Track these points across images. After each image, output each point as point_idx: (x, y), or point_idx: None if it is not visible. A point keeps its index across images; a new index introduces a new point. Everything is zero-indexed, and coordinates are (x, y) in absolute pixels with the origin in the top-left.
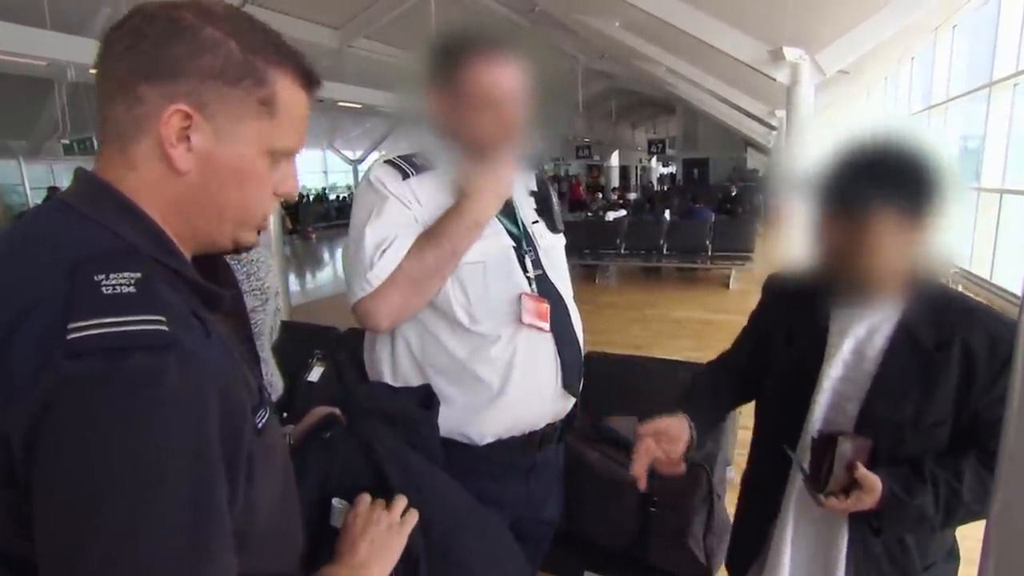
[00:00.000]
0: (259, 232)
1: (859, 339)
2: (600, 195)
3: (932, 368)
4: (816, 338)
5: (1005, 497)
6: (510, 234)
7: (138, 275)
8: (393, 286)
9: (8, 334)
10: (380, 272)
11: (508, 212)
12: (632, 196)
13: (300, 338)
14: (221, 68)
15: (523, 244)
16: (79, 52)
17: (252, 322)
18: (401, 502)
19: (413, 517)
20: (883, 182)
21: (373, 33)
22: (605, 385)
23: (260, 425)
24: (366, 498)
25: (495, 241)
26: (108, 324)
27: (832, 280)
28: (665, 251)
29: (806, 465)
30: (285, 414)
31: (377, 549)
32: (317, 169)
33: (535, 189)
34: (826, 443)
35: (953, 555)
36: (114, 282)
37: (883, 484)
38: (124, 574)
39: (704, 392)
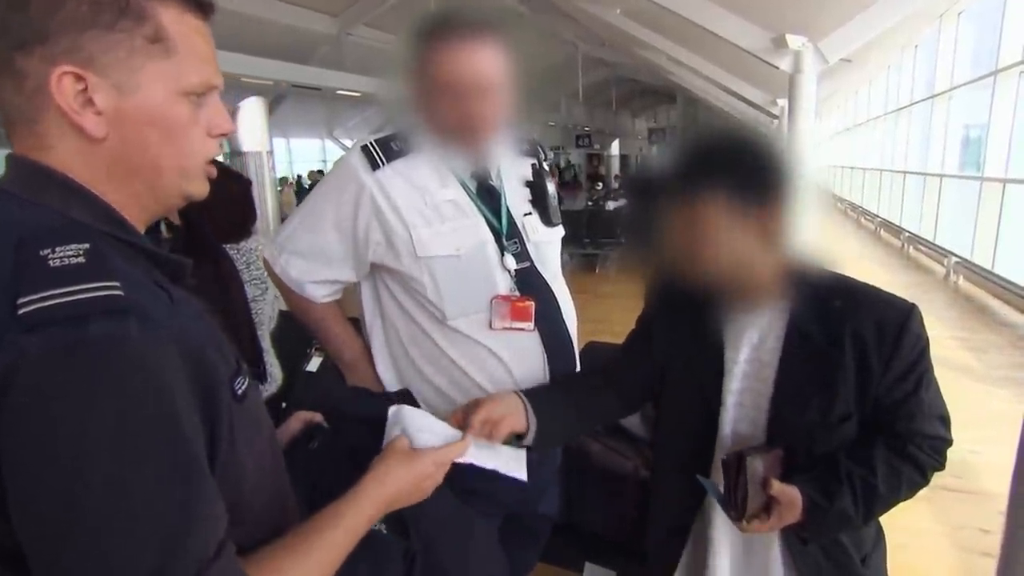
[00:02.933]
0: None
1: (753, 345)
2: (600, 184)
3: (828, 364)
4: (712, 353)
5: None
6: (492, 227)
7: (85, 246)
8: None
9: None
10: (285, 264)
11: (492, 203)
12: None
13: (299, 328)
14: (91, 13)
15: (504, 237)
16: None
17: (253, 311)
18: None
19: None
20: (708, 168)
21: (372, 21)
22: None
23: (240, 392)
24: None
25: (471, 233)
26: (60, 295)
27: (703, 284)
28: (624, 245)
29: (721, 488)
30: (284, 404)
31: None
32: (316, 158)
33: (531, 179)
34: (736, 464)
35: (880, 535)
36: (61, 255)
37: (802, 494)
38: (118, 538)
39: (576, 393)
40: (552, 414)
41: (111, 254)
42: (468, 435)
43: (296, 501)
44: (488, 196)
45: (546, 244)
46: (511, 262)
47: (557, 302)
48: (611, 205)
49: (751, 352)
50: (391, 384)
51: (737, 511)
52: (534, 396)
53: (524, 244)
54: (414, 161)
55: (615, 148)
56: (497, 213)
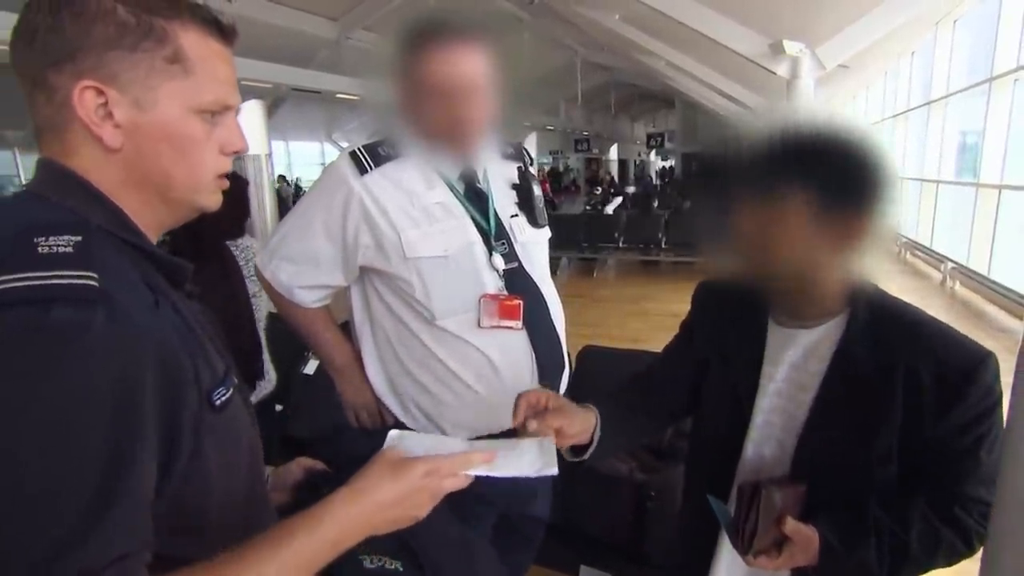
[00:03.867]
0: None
1: (794, 364)
2: (599, 189)
3: (873, 399)
4: (750, 364)
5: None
6: (479, 227)
7: (78, 238)
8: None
9: None
10: (275, 269)
11: (480, 204)
12: (630, 189)
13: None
14: (116, 35)
15: (492, 238)
16: None
17: (253, 307)
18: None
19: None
20: (799, 166)
21: (372, 25)
22: (603, 378)
23: (219, 402)
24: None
25: (459, 234)
26: (35, 278)
27: (760, 285)
28: (663, 245)
29: (733, 515)
30: (279, 407)
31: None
32: (315, 161)
33: (517, 182)
34: (751, 493)
35: None
36: (52, 243)
37: (819, 535)
38: (12, 523)
39: (627, 408)
40: (608, 431)
41: (105, 249)
42: (478, 447)
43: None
44: (476, 198)
45: (533, 245)
46: (499, 262)
47: (545, 302)
48: (610, 208)
49: (790, 371)
50: (380, 387)
51: (744, 545)
52: (602, 412)
53: (512, 245)
54: (402, 165)
55: (614, 152)
56: (485, 214)
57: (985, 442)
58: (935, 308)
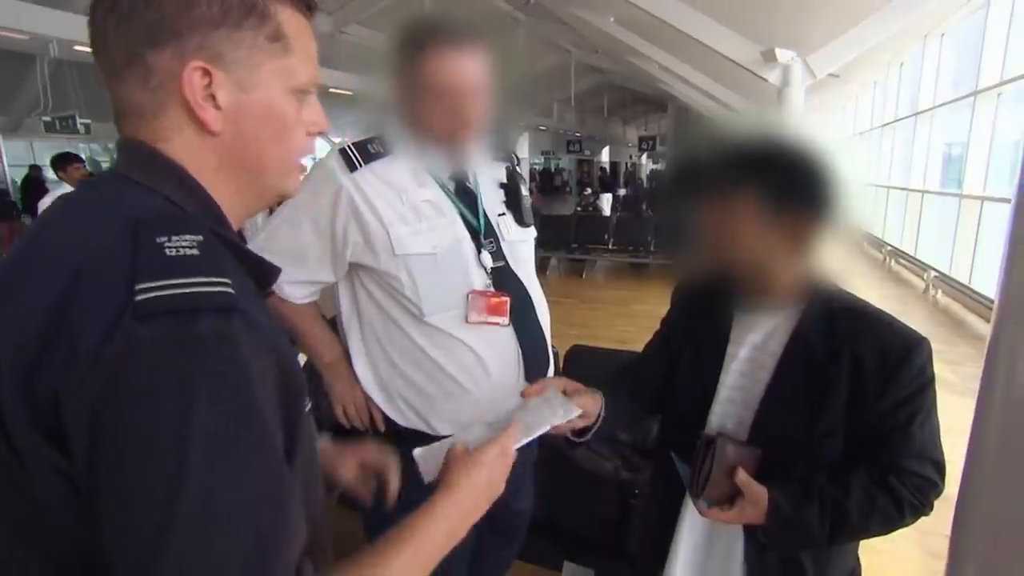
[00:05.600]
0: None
1: (755, 346)
2: (589, 190)
3: (821, 379)
4: (717, 347)
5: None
6: (469, 225)
7: (199, 238)
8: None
9: (68, 292)
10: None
11: (469, 203)
12: (622, 192)
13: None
14: (220, 14)
15: (481, 236)
16: (62, 27)
17: None
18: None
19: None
20: (745, 168)
21: (366, 19)
22: (591, 378)
23: (308, 406)
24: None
25: (448, 232)
26: (176, 285)
27: (720, 279)
28: (653, 247)
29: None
30: None
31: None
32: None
33: (504, 182)
34: (708, 443)
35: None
36: (176, 244)
37: (769, 495)
38: (220, 535)
39: (619, 391)
40: (609, 413)
41: (219, 247)
42: (514, 419)
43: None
44: (465, 196)
45: (520, 243)
46: (488, 260)
47: (531, 300)
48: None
49: (751, 351)
50: (369, 383)
51: (696, 489)
52: (607, 394)
53: (500, 243)
54: (391, 163)
55: (605, 155)
56: (475, 213)
57: (917, 418)
58: (917, 315)
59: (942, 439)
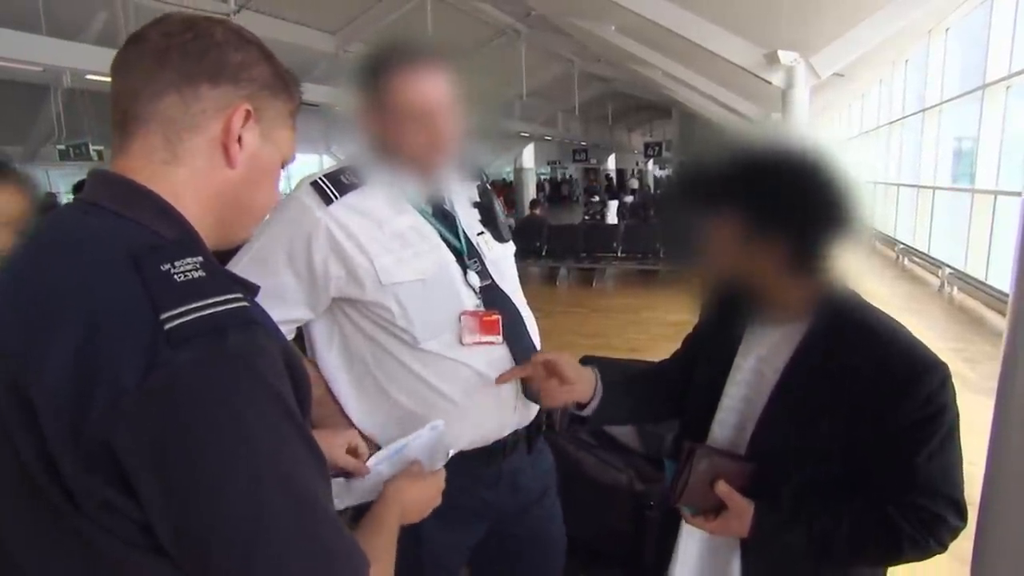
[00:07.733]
0: None
1: (760, 358)
2: (596, 198)
3: (821, 397)
4: (725, 356)
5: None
6: (452, 248)
7: (200, 259)
8: None
9: (91, 336)
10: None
11: (449, 225)
12: (629, 199)
13: None
14: (270, 80)
15: (465, 257)
16: (75, 58)
17: None
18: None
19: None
20: (722, 191)
21: (369, 39)
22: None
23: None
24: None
25: (433, 257)
26: (198, 308)
27: (727, 290)
28: (662, 254)
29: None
30: None
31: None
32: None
33: (478, 200)
34: (688, 452)
35: None
36: (181, 269)
37: (755, 511)
38: (303, 535)
39: (636, 382)
40: (614, 397)
41: (218, 267)
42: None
43: None
44: (444, 219)
45: (502, 260)
46: (475, 279)
47: (521, 316)
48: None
49: (757, 363)
50: (361, 419)
51: (675, 495)
52: (604, 372)
53: (483, 262)
54: (366, 193)
55: (611, 162)
56: (455, 234)
57: (923, 450)
58: (933, 314)
59: (961, 439)
